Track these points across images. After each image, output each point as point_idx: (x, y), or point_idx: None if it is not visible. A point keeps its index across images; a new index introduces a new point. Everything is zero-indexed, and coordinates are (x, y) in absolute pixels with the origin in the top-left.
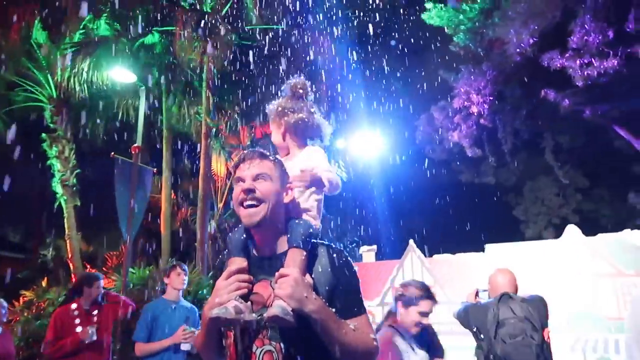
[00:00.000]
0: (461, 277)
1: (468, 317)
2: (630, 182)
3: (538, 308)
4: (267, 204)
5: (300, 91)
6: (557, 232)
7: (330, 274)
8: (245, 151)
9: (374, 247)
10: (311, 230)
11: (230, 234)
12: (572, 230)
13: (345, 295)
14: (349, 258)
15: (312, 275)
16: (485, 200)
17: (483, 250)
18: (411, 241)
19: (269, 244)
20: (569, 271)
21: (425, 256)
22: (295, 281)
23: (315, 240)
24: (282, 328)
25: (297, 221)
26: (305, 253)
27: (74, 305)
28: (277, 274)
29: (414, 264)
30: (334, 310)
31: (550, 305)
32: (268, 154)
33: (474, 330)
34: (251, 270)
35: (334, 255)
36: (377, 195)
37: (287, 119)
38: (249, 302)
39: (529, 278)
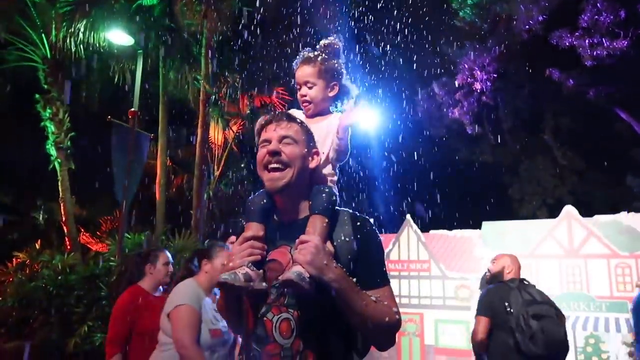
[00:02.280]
0: (457, 253)
1: (490, 297)
2: (628, 165)
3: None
4: (292, 169)
5: (338, 47)
6: (551, 213)
7: (354, 243)
8: (272, 112)
9: (371, 220)
10: (334, 197)
11: (250, 197)
12: (568, 211)
13: (368, 265)
14: (374, 227)
15: (334, 243)
16: (481, 178)
17: (479, 227)
18: (408, 215)
19: (291, 209)
20: (564, 251)
21: (421, 231)
22: (315, 248)
23: (338, 208)
24: (300, 296)
25: (320, 187)
26: (327, 220)
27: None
28: (297, 240)
29: (410, 239)
30: (355, 280)
31: (544, 283)
32: (296, 116)
33: (506, 306)
34: (271, 236)
35: (358, 223)
36: (375, 169)
37: (328, 64)
38: (261, 271)
39: (524, 256)
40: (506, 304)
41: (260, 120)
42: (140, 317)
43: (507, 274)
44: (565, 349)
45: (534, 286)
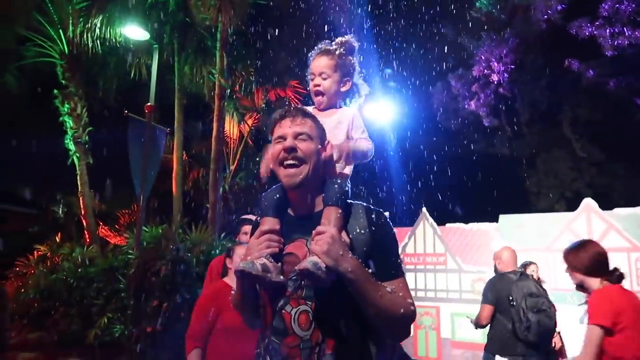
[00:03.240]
0: (473, 247)
1: (498, 287)
2: None
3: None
4: (308, 165)
5: (354, 46)
6: (569, 206)
7: (368, 235)
8: (286, 107)
9: (386, 213)
10: (346, 188)
11: (264, 192)
12: (587, 203)
13: (383, 256)
14: (388, 219)
15: (350, 235)
16: (498, 170)
17: (495, 220)
18: (424, 209)
19: (306, 203)
20: None
21: (437, 224)
22: (332, 238)
23: (351, 200)
24: (317, 287)
25: (332, 180)
26: (341, 211)
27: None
28: (314, 231)
29: (426, 232)
30: (370, 271)
31: (562, 277)
32: (309, 112)
33: (510, 298)
34: (286, 230)
35: (373, 215)
36: (390, 162)
37: (344, 59)
38: (279, 264)
39: (541, 250)
40: (510, 297)
41: (274, 115)
42: (223, 312)
43: (507, 267)
44: (552, 335)
45: (531, 277)
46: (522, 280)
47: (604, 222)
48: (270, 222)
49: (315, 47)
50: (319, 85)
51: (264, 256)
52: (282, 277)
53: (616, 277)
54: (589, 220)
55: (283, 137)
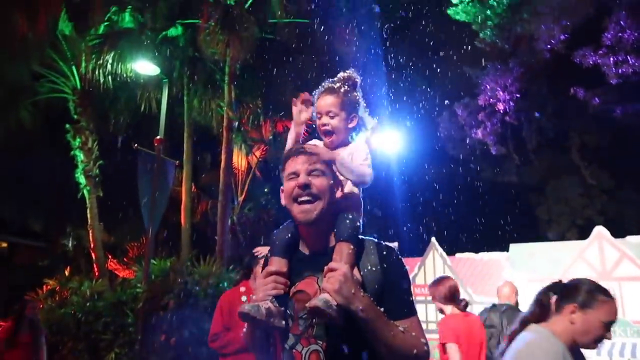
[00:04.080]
0: (484, 277)
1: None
2: None
3: (508, 316)
4: (322, 200)
5: (357, 81)
6: (581, 234)
7: (380, 272)
8: (298, 145)
9: (395, 244)
10: (358, 223)
11: (275, 231)
12: (599, 231)
13: (395, 295)
14: (399, 256)
15: (361, 272)
16: (507, 199)
17: (506, 249)
18: (433, 239)
19: (318, 240)
20: (596, 273)
21: (447, 254)
22: (343, 276)
23: (363, 236)
24: (328, 326)
25: (345, 215)
26: (352, 247)
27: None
28: (325, 268)
29: (436, 262)
30: (382, 310)
31: None
32: (322, 148)
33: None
34: (297, 267)
35: (385, 252)
36: (398, 192)
37: (350, 96)
38: (282, 308)
39: (554, 279)
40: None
41: (287, 152)
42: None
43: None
44: None
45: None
46: (491, 312)
47: (616, 250)
48: (277, 263)
49: (320, 86)
50: (327, 125)
51: (269, 299)
52: (284, 322)
53: (463, 305)
54: (601, 249)
55: (296, 174)
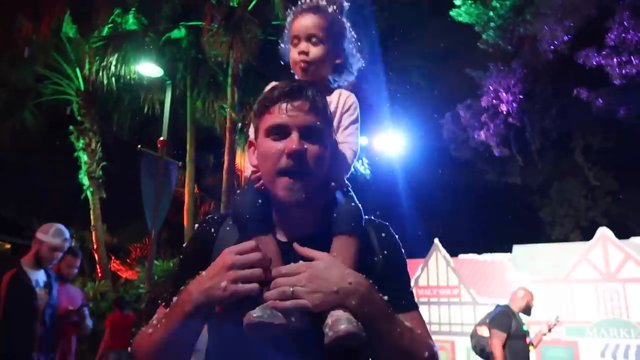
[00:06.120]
0: (487, 278)
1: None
2: None
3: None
4: (316, 175)
5: (344, 5)
6: (585, 235)
7: (382, 260)
8: (281, 82)
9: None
10: (359, 207)
11: (234, 196)
12: (603, 233)
13: (397, 285)
14: (397, 237)
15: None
16: (510, 200)
17: (509, 250)
18: (436, 240)
19: (299, 222)
20: (600, 274)
21: (450, 256)
22: (367, 289)
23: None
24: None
25: (342, 197)
26: (357, 243)
27: None
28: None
29: (439, 263)
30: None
31: (580, 309)
32: (317, 98)
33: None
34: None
35: (383, 234)
36: (401, 194)
37: (339, 21)
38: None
39: (558, 280)
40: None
41: (267, 93)
42: None
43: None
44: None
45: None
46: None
47: (620, 252)
48: (262, 242)
49: (297, 4)
50: (306, 53)
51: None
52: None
53: None
54: (605, 250)
55: (284, 130)
